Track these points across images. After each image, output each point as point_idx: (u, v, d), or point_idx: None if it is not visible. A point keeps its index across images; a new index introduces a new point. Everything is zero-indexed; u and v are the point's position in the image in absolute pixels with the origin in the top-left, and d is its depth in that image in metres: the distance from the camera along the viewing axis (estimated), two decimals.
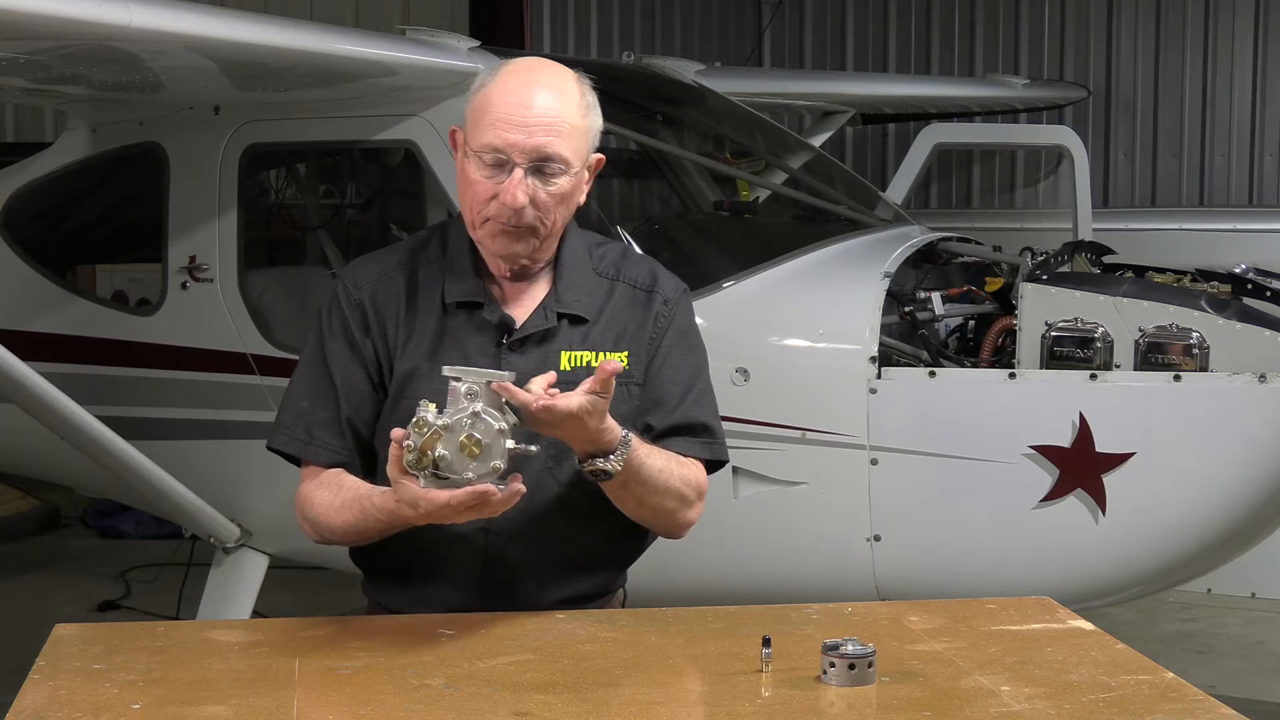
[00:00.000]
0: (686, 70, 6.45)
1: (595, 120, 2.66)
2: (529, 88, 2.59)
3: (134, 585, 7.40)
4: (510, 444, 2.36)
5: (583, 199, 2.69)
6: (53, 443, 4.81)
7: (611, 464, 2.51)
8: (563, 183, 2.60)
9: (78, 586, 7.48)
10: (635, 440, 2.55)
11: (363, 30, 5.78)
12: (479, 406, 2.34)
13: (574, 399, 2.41)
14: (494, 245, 2.64)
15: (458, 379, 2.36)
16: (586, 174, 2.67)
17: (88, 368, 5.37)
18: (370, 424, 2.71)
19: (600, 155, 2.70)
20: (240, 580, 5.13)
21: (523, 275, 2.71)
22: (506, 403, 2.38)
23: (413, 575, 2.72)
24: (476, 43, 5.00)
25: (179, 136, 5.17)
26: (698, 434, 2.73)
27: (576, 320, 2.70)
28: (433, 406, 2.35)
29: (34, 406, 4.49)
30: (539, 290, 2.72)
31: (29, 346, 5.04)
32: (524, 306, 2.70)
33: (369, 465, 2.71)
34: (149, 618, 6.35)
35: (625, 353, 2.66)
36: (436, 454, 2.33)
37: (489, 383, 2.37)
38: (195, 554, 5.92)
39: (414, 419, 2.34)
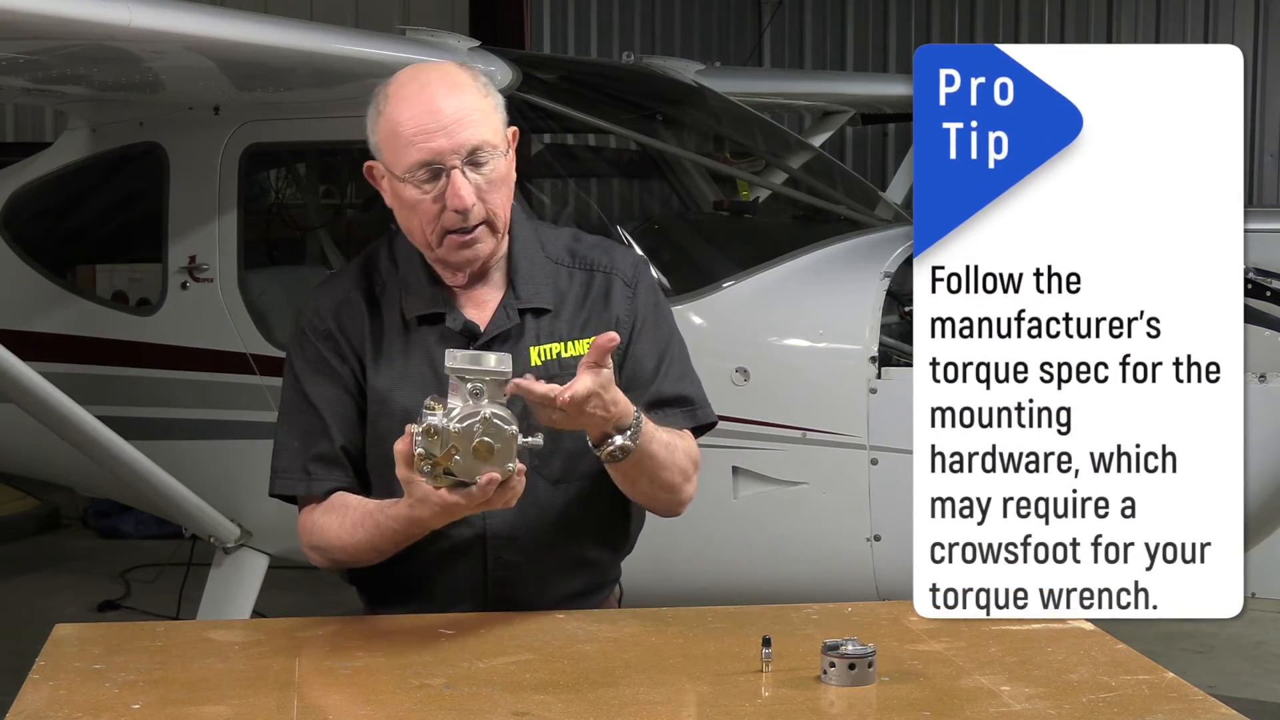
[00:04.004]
0: (686, 70, 6.44)
1: (496, 95, 2.64)
2: (428, 92, 2.56)
3: (134, 585, 7.40)
4: (520, 440, 2.34)
5: (514, 175, 2.67)
6: (53, 443, 4.80)
7: (628, 440, 2.48)
8: (497, 165, 2.58)
9: (78, 586, 7.48)
10: (644, 416, 2.53)
11: (363, 30, 5.79)
12: (488, 412, 2.31)
13: (585, 381, 2.38)
14: (457, 258, 2.61)
15: (462, 377, 2.32)
16: (511, 151, 2.65)
17: (88, 368, 5.37)
18: (363, 447, 2.68)
19: (514, 128, 2.68)
20: (240, 580, 5.13)
21: (478, 278, 2.68)
22: (505, 394, 2.34)
23: (414, 591, 2.70)
24: (476, 43, 5.00)
25: (179, 136, 5.17)
26: (678, 405, 2.71)
27: (539, 312, 2.68)
28: (439, 408, 2.31)
29: (34, 406, 4.48)
30: (496, 290, 2.69)
31: (29, 346, 5.04)
32: (485, 309, 2.68)
33: (367, 484, 2.68)
34: (149, 618, 6.35)
35: (590, 339, 2.55)
36: (451, 462, 2.31)
37: (504, 380, 2.33)
38: (195, 554, 5.91)
39: (423, 425, 2.30)
